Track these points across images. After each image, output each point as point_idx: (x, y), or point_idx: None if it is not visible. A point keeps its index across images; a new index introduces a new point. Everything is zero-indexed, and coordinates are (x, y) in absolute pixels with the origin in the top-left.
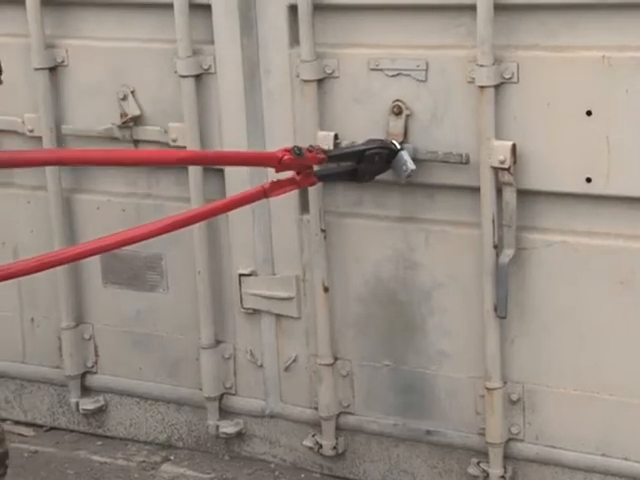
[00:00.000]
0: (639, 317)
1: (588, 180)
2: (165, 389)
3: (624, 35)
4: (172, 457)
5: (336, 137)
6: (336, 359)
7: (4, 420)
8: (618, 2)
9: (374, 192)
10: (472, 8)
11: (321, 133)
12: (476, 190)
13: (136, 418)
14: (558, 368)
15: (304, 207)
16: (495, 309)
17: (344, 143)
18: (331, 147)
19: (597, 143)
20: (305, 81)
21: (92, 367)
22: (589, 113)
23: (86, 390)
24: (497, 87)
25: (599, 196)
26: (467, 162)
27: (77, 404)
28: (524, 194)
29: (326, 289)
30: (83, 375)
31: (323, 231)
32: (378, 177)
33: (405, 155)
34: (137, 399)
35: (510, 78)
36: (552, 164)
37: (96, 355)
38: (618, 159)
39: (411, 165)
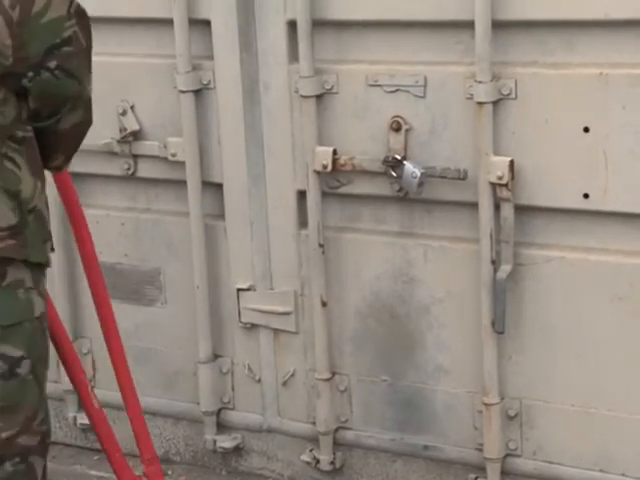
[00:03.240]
0: (637, 332)
1: (585, 196)
2: (162, 403)
3: (620, 52)
4: (169, 472)
5: (335, 152)
6: (334, 374)
7: None
8: (614, 20)
9: (372, 207)
10: (470, 25)
11: (320, 148)
12: (474, 206)
13: (127, 433)
14: (556, 384)
15: (302, 222)
16: (493, 324)
17: (343, 158)
18: (329, 162)
19: (594, 159)
20: (304, 97)
21: (90, 381)
22: (586, 129)
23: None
24: (495, 103)
25: (596, 212)
26: (465, 178)
27: (75, 419)
28: (522, 210)
29: (324, 304)
30: None
31: (321, 246)
32: (376, 192)
33: (410, 165)
34: None
35: (508, 94)
36: (550, 180)
37: (94, 369)
38: (615, 175)
39: (419, 170)
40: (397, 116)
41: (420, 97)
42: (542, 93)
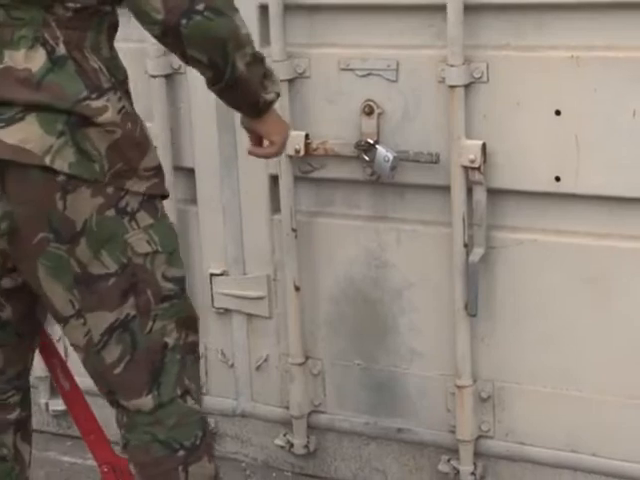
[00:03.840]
0: (608, 315)
1: (557, 179)
2: None
3: (592, 35)
4: None
5: (307, 137)
6: (307, 358)
7: None
8: (585, 2)
9: (345, 191)
10: (442, 8)
11: (292, 133)
12: (447, 189)
13: (106, 418)
14: (528, 366)
15: (275, 207)
16: (465, 308)
17: (315, 143)
18: (302, 147)
19: (566, 142)
20: None
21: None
22: (558, 112)
23: (55, 391)
24: (467, 87)
25: (568, 195)
26: (437, 161)
27: (47, 405)
28: (494, 193)
29: (297, 288)
30: None
31: (294, 231)
32: (349, 176)
33: (383, 149)
34: (104, 400)
35: (480, 78)
36: (522, 163)
37: (65, 355)
38: (587, 158)
39: (392, 154)
40: (369, 100)
41: (392, 81)
42: (514, 76)
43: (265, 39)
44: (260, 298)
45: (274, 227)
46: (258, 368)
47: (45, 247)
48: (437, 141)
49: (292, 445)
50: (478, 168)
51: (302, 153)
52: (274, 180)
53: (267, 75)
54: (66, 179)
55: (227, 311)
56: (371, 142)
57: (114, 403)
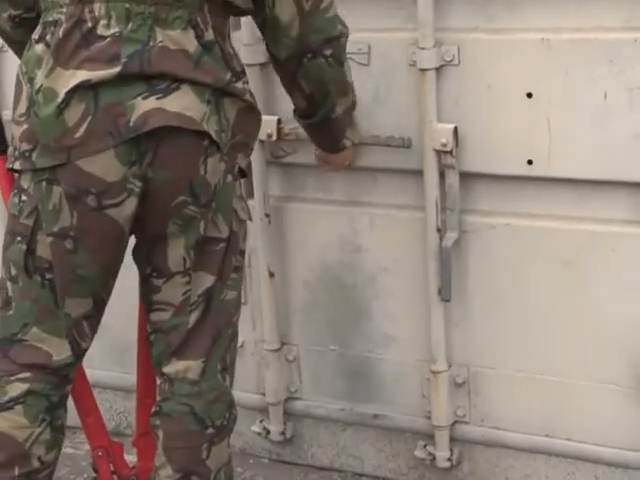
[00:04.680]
0: (582, 298)
1: (529, 162)
2: (113, 376)
3: (562, 17)
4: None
5: (279, 122)
6: (283, 344)
7: None
8: None
9: (318, 176)
10: None
11: (264, 117)
12: (419, 173)
13: (104, 410)
14: (502, 350)
15: (249, 192)
16: (439, 292)
17: (287, 128)
18: (274, 132)
19: (538, 125)
20: (248, 65)
21: None
22: (529, 95)
23: None
24: (438, 70)
25: (541, 178)
26: (409, 146)
27: None
28: (467, 177)
29: (271, 274)
30: None
31: (267, 216)
32: None
33: None
34: None
35: (451, 61)
36: (494, 146)
37: None
38: (559, 141)
39: None
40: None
41: (364, 65)
42: (484, 59)
43: (236, 23)
44: None
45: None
46: None
47: (182, 209)
48: (409, 125)
49: (269, 432)
50: (450, 152)
51: (274, 138)
52: (248, 165)
53: (353, 124)
54: (208, 144)
55: None
56: None
57: (163, 368)
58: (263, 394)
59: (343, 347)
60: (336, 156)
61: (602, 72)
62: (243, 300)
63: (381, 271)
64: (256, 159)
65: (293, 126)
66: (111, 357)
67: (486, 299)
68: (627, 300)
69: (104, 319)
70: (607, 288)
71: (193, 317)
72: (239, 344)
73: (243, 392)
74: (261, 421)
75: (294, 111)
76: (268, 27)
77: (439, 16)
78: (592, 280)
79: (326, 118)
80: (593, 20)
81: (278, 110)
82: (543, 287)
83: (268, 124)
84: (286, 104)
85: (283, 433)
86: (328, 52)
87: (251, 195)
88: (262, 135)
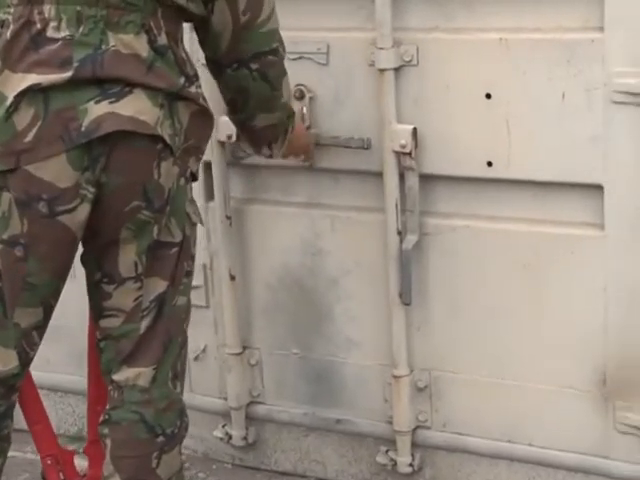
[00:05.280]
0: (542, 301)
1: (489, 164)
2: (75, 380)
3: (520, 17)
4: (81, 450)
5: None
6: (245, 348)
7: None
8: None
9: (279, 178)
10: None
11: (223, 118)
12: (380, 175)
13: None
14: (463, 354)
15: (209, 194)
16: (400, 296)
17: None
18: (233, 133)
19: (497, 126)
20: (205, 65)
21: None
22: (488, 96)
23: None
24: (397, 70)
25: (500, 180)
26: (369, 147)
27: None
28: (427, 179)
29: (233, 277)
30: None
31: (228, 218)
32: (282, 162)
33: None
34: (46, 391)
35: (410, 61)
36: (453, 148)
37: None
38: (518, 142)
39: None
40: (300, 84)
41: (323, 64)
42: (443, 59)
43: None
44: (196, 287)
45: (209, 215)
46: (196, 358)
47: (136, 214)
48: (368, 126)
49: (231, 437)
50: (409, 153)
51: (234, 139)
52: (208, 167)
53: (279, 142)
54: (162, 148)
55: None
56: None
57: (112, 375)
58: (225, 399)
59: (305, 351)
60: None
61: (560, 73)
62: (205, 303)
63: (343, 274)
64: (216, 160)
65: None
66: (73, 361)
67: (447, 302)
68: (586, 303)
69: (65, 322)
70: (567, 291)
71: (144, 323)
72: (201, 348)
73: (205, 396)
74: (223, 426)
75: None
76: (202, 29)
77: (397, 15)
78: (552, 283)
79: (244, 124)
80: (552, 20)
81: None
82: (503, 290)
83: (227, 125)
84: None
85: (245, 438)
86: (254, 66)
87: (211, 197)
88: (222, 136)
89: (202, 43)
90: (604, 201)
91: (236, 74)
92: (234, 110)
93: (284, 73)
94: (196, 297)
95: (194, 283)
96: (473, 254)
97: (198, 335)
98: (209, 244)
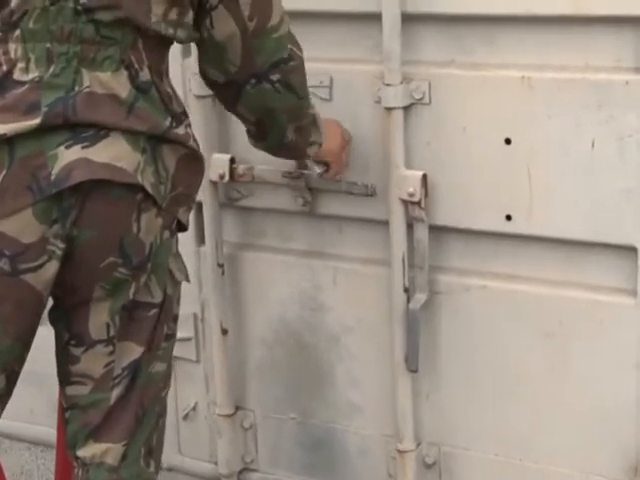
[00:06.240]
0: (565, 374)
1: (508, 217)
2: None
3: (545, 53)
4: None
5: (232, 161)
6: (237, 409)
7: None
8: (538, 15)
9: (277, 222)
10: (380, 17)
11: (216, 156)
12: (387, 224)
13: (27, 465)
14: (477, 429)
15: (201, 238)
16: (405, 361)
17: (241, 168)
18: (226, 172)
19: (517, 175)
20: (198, 97)
21: None
22: (508, 141)
23: None
24: (406, 109)
25: (520, 235)
26: (373, 194)
27: None
28: (438, 231)
29: (224, 331)
30: None
31: (220, 266)
32: (280, 206)
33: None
34: (28, 444)
35: (421, 99)
36: (468, 198)
37: None
38: (540, 194)
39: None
40: (324, 162)
41: (326, 100)
42: (459, 98)
43: (187, 50)
44: (186, 339)
45: (200, 260)
46: (186, 417)
47: (111, 272)
48: (374, 170)
49: None
50: (418, 202)
51: (227, 179)
52: (199, 208)
53: (316, 126)
54: (142, 198)
55: None
56: (302, 172)
57: (77, 450)
58: (216, 463)
59: (304, 415)
60: (334, 152)
61: (589, 118)
62: (195, 358)
63: (345, 331)
64: (208, 202)
65: (248, 166)
66: (55, 413)
67: (459, 370)
68: (616, 380)
69: (49, 372)
70: (594, 365)
71: (115, 393)
72: (191, 406)
73: (194, 460)
74: None
75: (247, 132)
76: (207, 50)
77: (408, 47)
78: (577, 354)
79: (279, 143)
80: (580, 58)
81: (231, 147)
82: (523, 359)
83: (220, 163)
84: (241, 140)
85: None
86: (275, 77)
87: (202, 241)
88: (214, 175)
89: (210, 64)
90: (638, 264)
91: (257, 90)
92: (262, 134)
93: (305, 74)
94: (186, 350)
95: (183, 335)
96: (489, 317)
97: (188, 391)
98: (200, 292)
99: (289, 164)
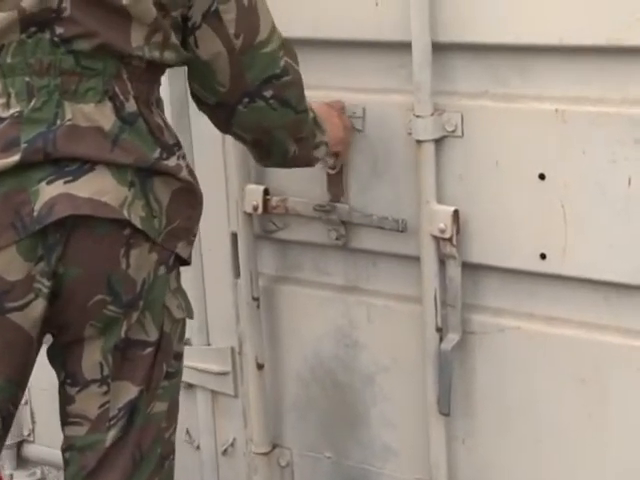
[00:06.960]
0: (603, 423)
1: (542, 256)
2: None
3: (580, 84)
4: None
5: (266, 192)
6: (274, 447)
7: None
8: (570, 46)
9: (313, 256)
10: (410, 47)
11: (250, 187)
12: (419, 260)
13: None
14: (512, 474)
15: (237, 270)
16: (438, 403)
17: (274, 200)
18: (260, 204)
19: (551, 213)
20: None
21: (29, 435)
22: (542, 177)
23: (22, 461)
24: (438, 142)
25: (555, 275)
26: (404, 230)
27: (11, 477)
28: (472, 268)
29: (260, 366)
30: (19, 444)
31: (256, 299)
32: (313, 239)
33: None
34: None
35: (453, 131)
36: (502, 235)
37: (33, 422)
38: (575, 233)
39: None
40: (334, 152)
41: (359, 130)
42: (492, 130)
43: None
44: (224, 374)
45: (237, 293)
46: (224, 452)
47: (101, 309)
48: (405, 205)
49: None
50: (449, 239)
51: (260, 210)
52: (234, 239)
53: (318, 128)
54: (131, 233)
55: (191, 386)
56: (334, 205)
57: None
58: None
59: (339, 455)
60: (340, 140)
61: (626, 153)
62: (233, 392)
63: (380, 371)
64: (242, 234)
65: (281, 197)
66: None
67: (493, 414)
68: None
69: None
70: (633, 414)
71: (112, 434)
72: (230, 442)
73: None
74: None
75: (250, 152)
76: (194, 70)
77: (439, 77)
78: (614, 402)
79: (284, 158)
80: (616, 91)
81: (265, 178)
82: (558, 404)
83: (254, 195)
84: (275, 171)
85: None
86: (268, 93)
87: (238, 274)
88: (248, 207)
89: (198, 88)
90: None
91: (251, 109)
92: (264, 153)
93: (303, 87)
94: (224, 385)
95: (221, 369)
96: (524, 360)
97: (227, 426)
98: (238, 325)
99: (321, 197)
